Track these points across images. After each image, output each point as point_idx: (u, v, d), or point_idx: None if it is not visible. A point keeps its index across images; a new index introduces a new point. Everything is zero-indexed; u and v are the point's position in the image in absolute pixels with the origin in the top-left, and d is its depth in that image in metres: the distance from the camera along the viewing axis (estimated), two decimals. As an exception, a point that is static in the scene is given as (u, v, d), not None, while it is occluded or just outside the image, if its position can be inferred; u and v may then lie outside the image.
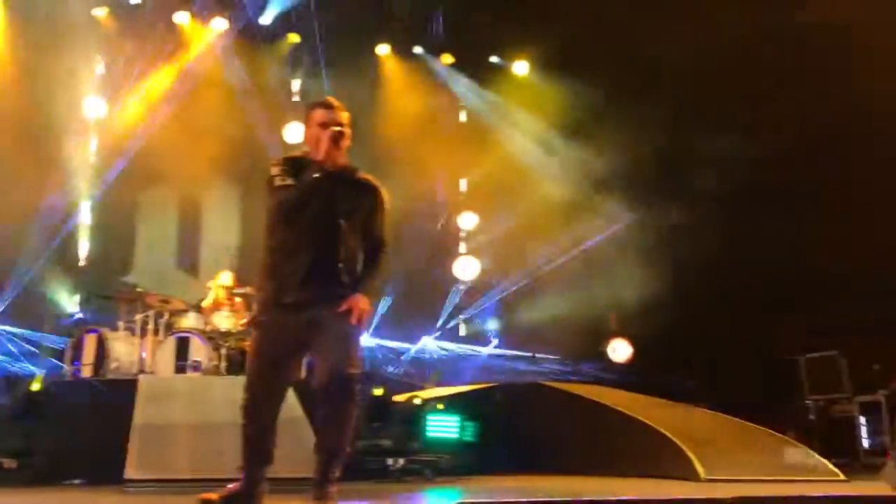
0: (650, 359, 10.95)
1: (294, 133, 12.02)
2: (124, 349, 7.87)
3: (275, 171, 3.71)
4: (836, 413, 9.66)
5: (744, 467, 6.57)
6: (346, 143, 3.72)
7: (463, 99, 13.01)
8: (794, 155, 9.96)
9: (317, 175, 3.61)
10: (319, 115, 3.74)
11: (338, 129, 3.66)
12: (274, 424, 3.86)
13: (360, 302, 3.64)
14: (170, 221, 11.85)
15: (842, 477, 6.57)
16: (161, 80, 11.60)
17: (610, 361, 11.18)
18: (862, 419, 9.36)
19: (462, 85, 12.91)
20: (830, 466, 6.82)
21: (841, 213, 9.52)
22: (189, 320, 8.30)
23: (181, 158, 11.45)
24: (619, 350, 11.32)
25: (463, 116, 13.12)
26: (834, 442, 9.25)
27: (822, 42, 9.24)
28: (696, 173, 10.68)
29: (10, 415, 6.62)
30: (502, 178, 12.25)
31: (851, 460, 8.93)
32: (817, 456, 7.23)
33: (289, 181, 3.64)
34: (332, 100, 3.82)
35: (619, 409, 7.64)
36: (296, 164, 3.72)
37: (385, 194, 3.91)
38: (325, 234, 3.65)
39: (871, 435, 9.19)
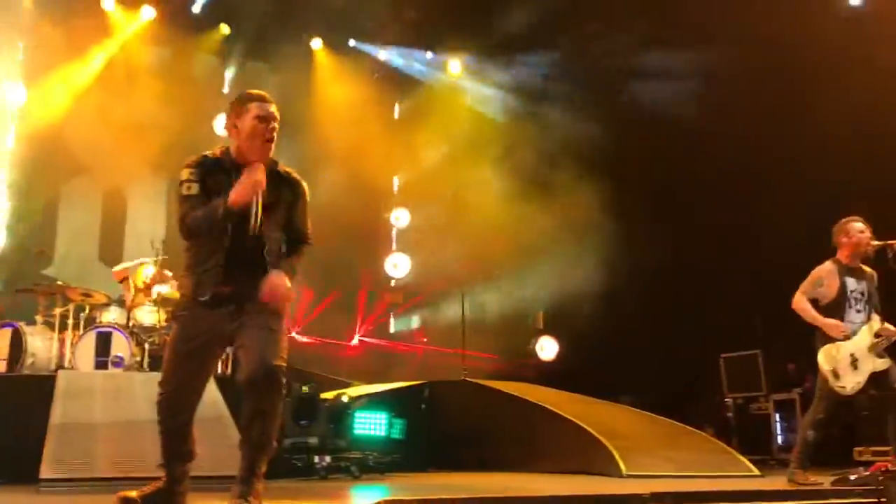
0: (577, 357, 11.14)
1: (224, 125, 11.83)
2: (42, 344, 7.60)
3: (184, 174, 3.63)
4: (753, 411, 10.01)
5: (664, 463, 6.75)
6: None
7: (395, 96, 13.01)
8: (717, 154, 10.28)
9: (228, 208, 3.52)
10: (255, 108, 3.67)
11: (273, 126, 3.63)
12: (192, 420, 3.79)
13: (278, 278, 3.59)
14: (93, 213, 11.51)
15: (756, 472, 6.81)
16: (86, 67, 11.25)
17: (538, 359, 11.34)
18: (777, 416, 9.73)
19: (396, 83, 12.91)
20: (746, 462, 7.06)
21: (763, 215, 9.84)
22: (111, 314, 8.08)
23: (106, 149, 11.14)
24: (547, 348, 11.50)
25: (396, 113, 13.11)
26: (750, 438, 9.62)
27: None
28: (621, 172, 10.94)
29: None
30: (435, 176, 12.31)
31: (766, 456, 9.28)
32: (734, 452, 7.48)
33: (194, 190, 3.57)
34: (264, 93, 3.77)
35: (545, 406, 7.75)
36: (209, 166, 3.65)
37: (306, 187, 3.87)
38: (246, 229, 3.59)
39: (784, 431, 9.57)
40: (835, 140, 9.24)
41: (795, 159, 9.45)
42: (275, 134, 3.66)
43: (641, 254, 10.54)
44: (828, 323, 5.56)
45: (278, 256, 3.70)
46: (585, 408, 7.98)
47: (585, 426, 7.20)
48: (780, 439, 9.62)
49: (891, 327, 5.56)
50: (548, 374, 10.38)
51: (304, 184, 3.87)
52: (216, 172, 3.63)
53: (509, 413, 8.09)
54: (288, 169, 3.84)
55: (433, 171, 12.30)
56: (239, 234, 3.58)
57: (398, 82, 12.95)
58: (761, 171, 9.89)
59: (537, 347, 11.35)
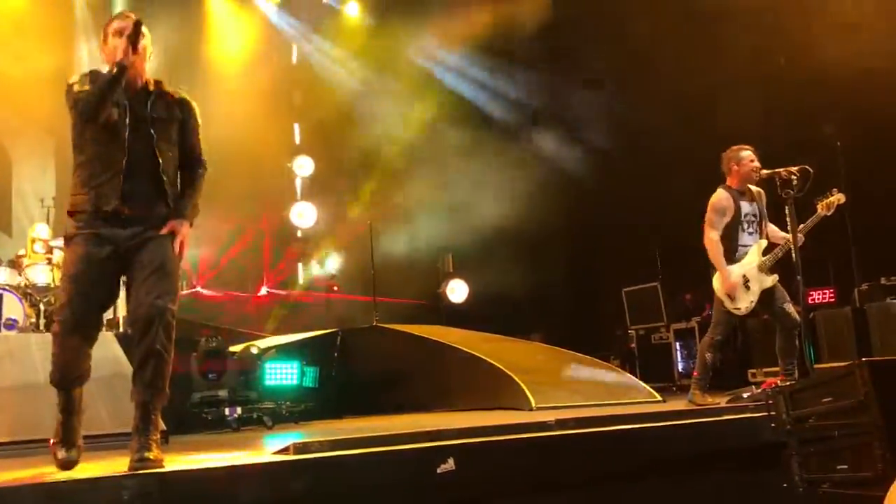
0: (486, 298, 11.30)
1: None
2: (-74, 311, 7.21)
3: (73, 79, 3.60)
4: (655, 340, 10.42)
5: (572, 395, 6.96)
6: (144, 45, 3.61)
7: (292, 41, 12.64)
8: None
9: (112, 71, 3.45)
10: (115, 25, 3.60)
11: (132, 26, 3.50)
12: (88, 349, 3.64)
13: (184, 228, 3.61)
14: (-26, 174, 10.86)
15: (659, 398, 7.11)
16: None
17: (448, 302, 11.44)
18: (677, 345, 10.15)
19: (291, 26, 12.53)
20: (649, 389, 7.35)
21: (659, 152, 10.12)
22: (1, 276, 7.70)
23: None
24: (458, 290, 11.60)
25: (294, 58, 12.75)
26: (653, 367, 10.02)
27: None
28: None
29: None
30: (337, 122, 12.10)
31: (668, 383, 9.70)
32: (637, 380, 7.78)
33: (87, 87, 3.51)
34: (125, 11, 3.71)
35: (456, 346, 7.85)
36: (96, 75, 3.59)
37: (196, 107, 3.83)
38: (140, 144, 3.55)
39: (684, 359, 10.00)
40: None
41: (688, 95, 9.70)
42: (140, 38, 3.55)
43: (546, 192, 10.71)
44: (725, 277, 5.74)
45: (175, 181, 3.69)
46: (496, 346, 8.13)
47: (496, 363, 7.34)
48: (680, 366, 10.06)
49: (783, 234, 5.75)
50: (459, 317, 10.49)
51: (195, 104, 3.82)
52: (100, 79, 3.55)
53: (421, 355, 8.16)
54: (178, 89, 3.78)
55: (336, 116, 12.08)
56: (135, 149, 3.53)
57: (293, 27, 12.58)
58: (657, 111, 10.13)
59: (448, 290, 11.43)
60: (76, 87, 3.55)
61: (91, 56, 11.14)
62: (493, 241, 10.86)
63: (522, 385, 6.93)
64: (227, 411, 6.90)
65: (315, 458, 3.60)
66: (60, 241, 7.97)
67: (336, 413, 7.98)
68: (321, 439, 3.73)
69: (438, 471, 3.61)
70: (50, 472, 3.50)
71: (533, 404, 6.64)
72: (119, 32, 3.54)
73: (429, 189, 11.04)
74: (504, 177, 10.84)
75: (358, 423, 6.92)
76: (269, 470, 3.49)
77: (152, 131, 3.58)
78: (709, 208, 5.90)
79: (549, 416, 4.68)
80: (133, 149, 3.53)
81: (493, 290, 11.12)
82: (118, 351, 6.39)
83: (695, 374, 6.03)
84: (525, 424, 4.27)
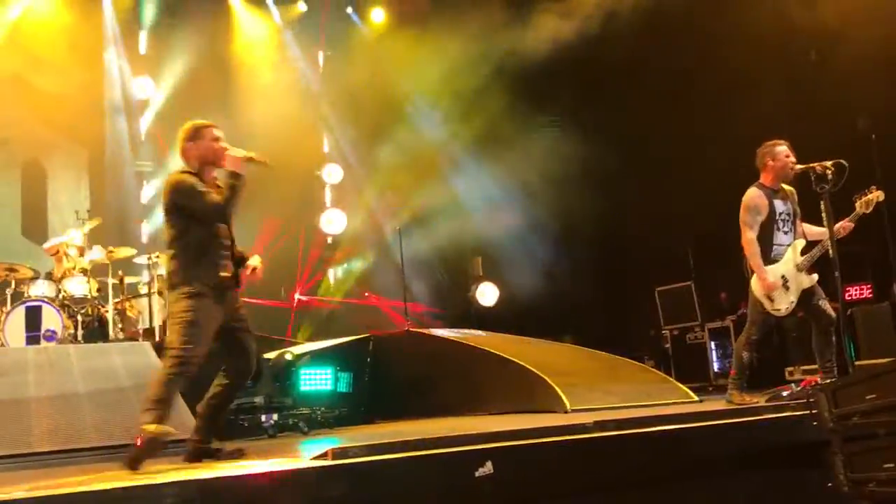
0: (517, 300, 11.27)
1: (142, 87, 11.46)
2: (-33, 323, 7.34)
3: (191, 180, 4.46)
4: (689, 340, 10.31)
5: (607, 396, 6.90)
6: None
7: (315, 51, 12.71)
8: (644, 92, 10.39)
9: (236, 182, 4.47)
10: (216, 132, 4.58)
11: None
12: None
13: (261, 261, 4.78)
14: (12, 187, 11.05)
15: (695, 398, 7.03)
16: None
17: (479, 306, 11.42)
18: (712, 344, 10.04)
19: (311, 36, 12.61)
20: (685, 389, 7.28)
21: (690, 149, 10.02)
22: (40, 288, 7.82)
23: (21, 119, 10.71)
24: (487, 294, 11.58)
25: (321, 62, 12.83)
26: (688, 367, 9.92)
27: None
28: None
29: None
30: (366, 129, 12.16)
31: (704, 383, 9.60)
32: (673, 381, 7.70)
33: (203, 188, 4.44)
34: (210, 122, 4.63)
35: (489, 349, 7.82)
36: (199, 180, 4.51)
37: None
38: (228, 227, 4.59)
39: (720, 358, 9.89)
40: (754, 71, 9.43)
41: (719, 91, 9.60)
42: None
43: (575, 195, 10.65)
44: (763, 278, 5.65)
45: None
46: (527, 348, 8.10)
47: (528, 366, 7.30)
48: (716, 366, 9.95)
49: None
50: (490, 320, 10.46)
51: None
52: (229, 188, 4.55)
53: (454, 359, 8.14)
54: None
55: (364, 122, 12.14)
56: (230, 232, 4.59)
57: (320, 34, 12.66)
58: (687, 107, 10.03)
59: (477, 294, 11.41)
60: (200, 187, 4.41)
61: (121, 71, 11.31)
62: (523, 244, 10.83)
63: (556, 387, 6.88)
64: (263, 418, 6.94)
65: (353, 463, 3.60)
66: (97, 252, 8.12)
67: (370, 418, 8.01)
68: (358, 444, 3.73)
69: (476, 474, 3.60)
70: (88, 481, 3.54)
71: (568, 407, 6.59)
72: (218, 139, 4.54)
73: (457, 193, 11.04)
74: (533, 178, 10.80)
75: (393, 428, 6.92)
76: (307, 475, 3.50)
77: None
78: (742, 208, 5.82)
79: (586, 419, 4.64)
80: (230, 232, 4.61)
81: (523, 293, 11.09)
82: (155, 359, 6.48)
83: (732, 372, 5.95)
84: (563, 427, 4.24)
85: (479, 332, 9.04)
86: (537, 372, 7.16)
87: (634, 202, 11.00)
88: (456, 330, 8.99)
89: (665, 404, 6.66)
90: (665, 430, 4.37)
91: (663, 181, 10.40)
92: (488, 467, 3.63)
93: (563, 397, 6.72)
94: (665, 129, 10.36)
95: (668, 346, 10.56)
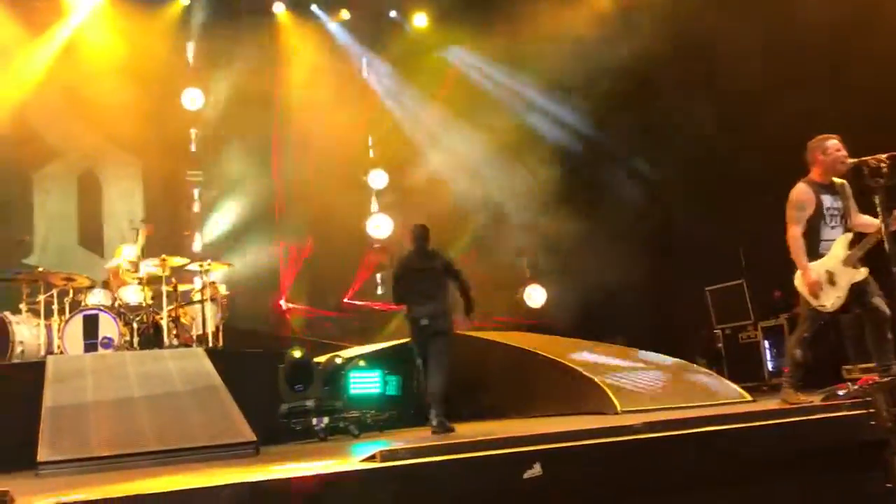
0: (566, 302, 11.20)
1: (192, 99, 11.69)
2: (29, 332, 7.55)
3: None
4: (742, 339, 10.13)
5: (659, 397, 6.84)
6: None
7: (359, 57, 12.81)
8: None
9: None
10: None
11: None
12: None
13: None
14: (69, 198, 11.36)
15: (749, 398, 6.92)
16: (45, 50, 11.02)
17: (527, 307, 11.39)
18: (766, 343, 9.85)
19: (356, 43, 12.72)
20: (738, 389, 7.17)
21: (739, 147, 9.86)
22: (96, 297, 8.02)
23: (75, 132, 11.02)
24: (535, 296, 11.53)
25: (365, 72, 12.93)
26: (741, 367, 9.74)
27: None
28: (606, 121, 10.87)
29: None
30: (410, 134, 12.22)
31: (758, 383, 9.42)
32: (726, 381, 7.59)
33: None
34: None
35: (538, 351, 7.81)
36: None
37: None
38: None
39: (774, 357, 9.69)
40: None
41: (766, 91, 9.43)
42: None
43: (623, 193, 10.56)
44: (806, 274, 5.54)
45: None
46: (577, 350, 8.06)
47: (578, 367, 7.27)
48: (770, 365, 9.76)
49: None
50: (538, 322, 10.43)
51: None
52: None
53: (503, 361, 8.15)
54: None
55: (408, 128, 12.20)
56: None
57: (364, 41, 12.76)
58: (735, 104, 9.88)
59: (525, 296, 11.37)
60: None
61: (172, 82, 11.53)
62: (570, 245, 10.76)
63: (606, 389, 6.85)
64: (314, 421, 7.03)
65: (402, 466, 3.62)
66: (149, 265, 8.30)
67: (418, 421, 8.05)
68: (407, 446, 3.76)
69: (525, 476, 3.59)
70: (146, 486, 3.63)
71: (618, 408, 6.55)
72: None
73: (503, 195, 11.03)
74: (578, 179, 10.74)
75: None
76: (357, 478, 3.53)
77: None
78: (788, 204, 5.71)
79: (636, 420, 4.60)
80: None
81: (571, 295, 11.02)
82: (209, 365, 6.61)
83: (786, 371, 5.84)
84: (612, 428, 4.20)
85: (528, 334, 9.03)
86: (587, 373, 7.14)
87: (682, 202, 10.86)
88: (504, 332, 8.99)
89: (718, 405, 6.57)
90: (717, 431, 4.30)
91: (710, 180, 10.24)
92: (537, 469, 3.61)
93: (613, 398, 6.69)
94: (714, 126, 10.21)
95: (720, 345, 10.39)
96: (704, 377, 7.67)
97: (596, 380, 6.99)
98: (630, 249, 10.97)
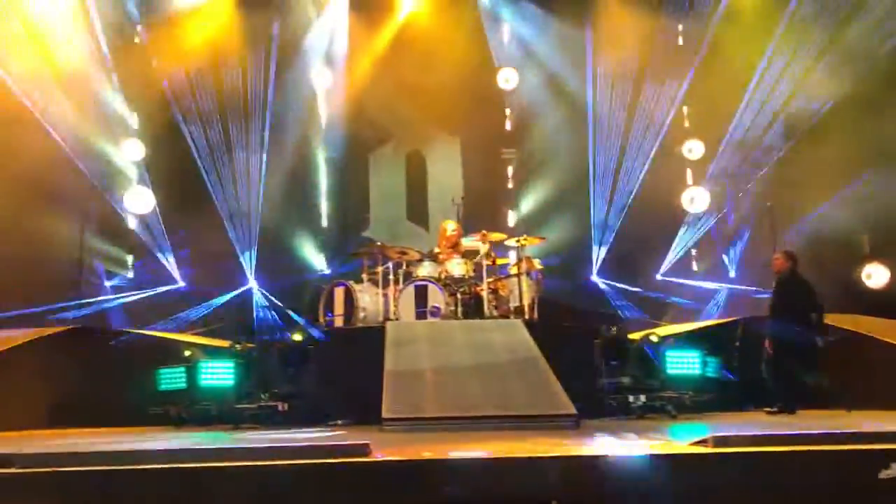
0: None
1: (506, 79, 12.06)
2: (370, 299, 8.36)
3: None
4: None
5: None
6: None
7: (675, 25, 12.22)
8: None
9: None
10: None
11: None
12: None
13: None
14: (398, 177, 12.37)
15: None
16: (380, 43, 12.07)
17: (866, 288, 10.21)
18: None
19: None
20: None
21: None
22: (425, 269, 8.65)
23: (404, 115, 11.96)
24: (876, 275, 10.30)
25: (680, 40, 12.36)
26: None
27: None
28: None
29: (278, 364, 7.33)
30: (728, 103, 11.48)
31: None
32: None
33: None
34: None
35: (881, 338, 7.06)
36: None
37: None
38: None
39: None
40: None
41: None
42: None
43: None
44: None
45: None
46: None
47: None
48: None
49: None
50: (880, 305, 9.29)
51: None
52: None
53: (838, 349, 7.41)
54: None
55: (725, 99, 11.48)
56: None
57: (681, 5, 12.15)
58: None
59: (864, 275, 10.20)
60: None
61: (489, 64, 12.02)
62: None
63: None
64: (630, 398, 6.98)
65: (735, 453, 3.45)
66: (472, 239, 8.81)
67: (737, 405, 7.67)
68: (741, 434, 3.58)
69: (880, 476, 3.25)
70: (482, 448, 3.82)
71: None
72: None
73: (841, 165, 9.92)
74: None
75: (769, 419, 6.55)
76: (686, 461, 3.44)
77: None
78: None
79: None
80: None
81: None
82: (527, 335, 6.84)
83: None
84: None
85: (870, 318, 8.16)
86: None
87: None
88: (837, 315, 8.16)
89: None
90: None
91: None
92: (894, 469, 3.25)
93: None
94: None
95: None
96: None
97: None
98: None
